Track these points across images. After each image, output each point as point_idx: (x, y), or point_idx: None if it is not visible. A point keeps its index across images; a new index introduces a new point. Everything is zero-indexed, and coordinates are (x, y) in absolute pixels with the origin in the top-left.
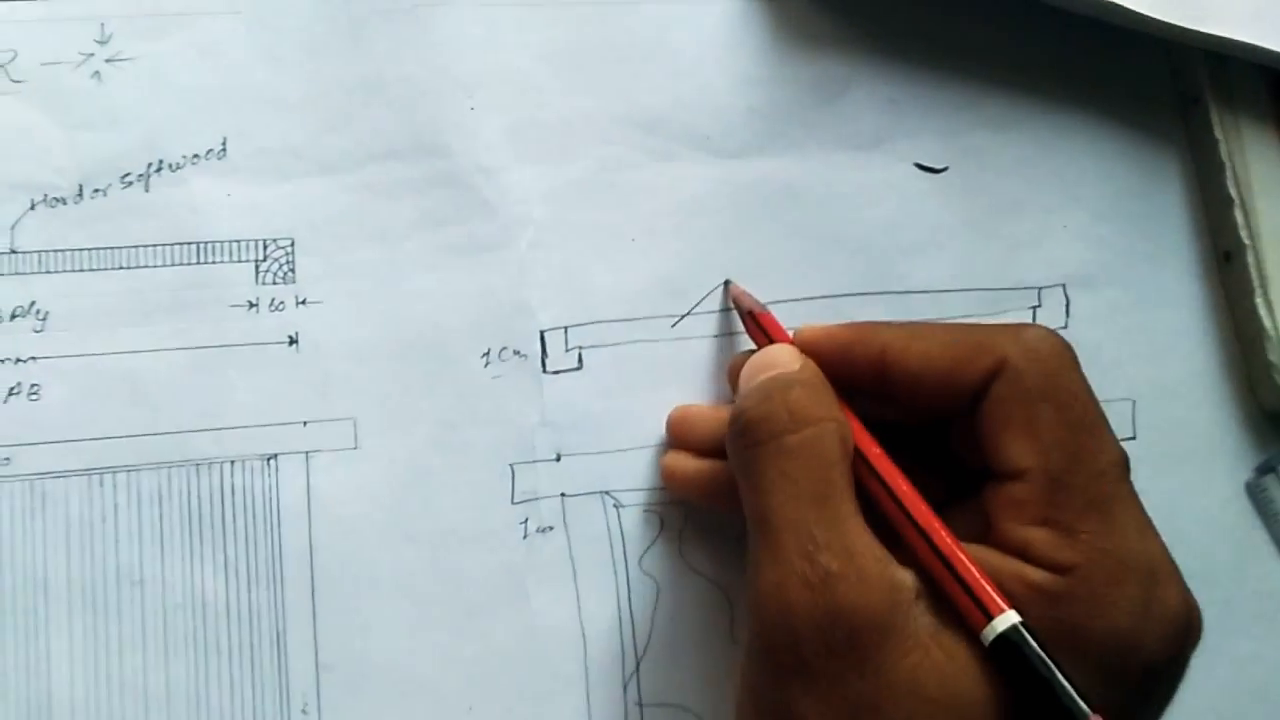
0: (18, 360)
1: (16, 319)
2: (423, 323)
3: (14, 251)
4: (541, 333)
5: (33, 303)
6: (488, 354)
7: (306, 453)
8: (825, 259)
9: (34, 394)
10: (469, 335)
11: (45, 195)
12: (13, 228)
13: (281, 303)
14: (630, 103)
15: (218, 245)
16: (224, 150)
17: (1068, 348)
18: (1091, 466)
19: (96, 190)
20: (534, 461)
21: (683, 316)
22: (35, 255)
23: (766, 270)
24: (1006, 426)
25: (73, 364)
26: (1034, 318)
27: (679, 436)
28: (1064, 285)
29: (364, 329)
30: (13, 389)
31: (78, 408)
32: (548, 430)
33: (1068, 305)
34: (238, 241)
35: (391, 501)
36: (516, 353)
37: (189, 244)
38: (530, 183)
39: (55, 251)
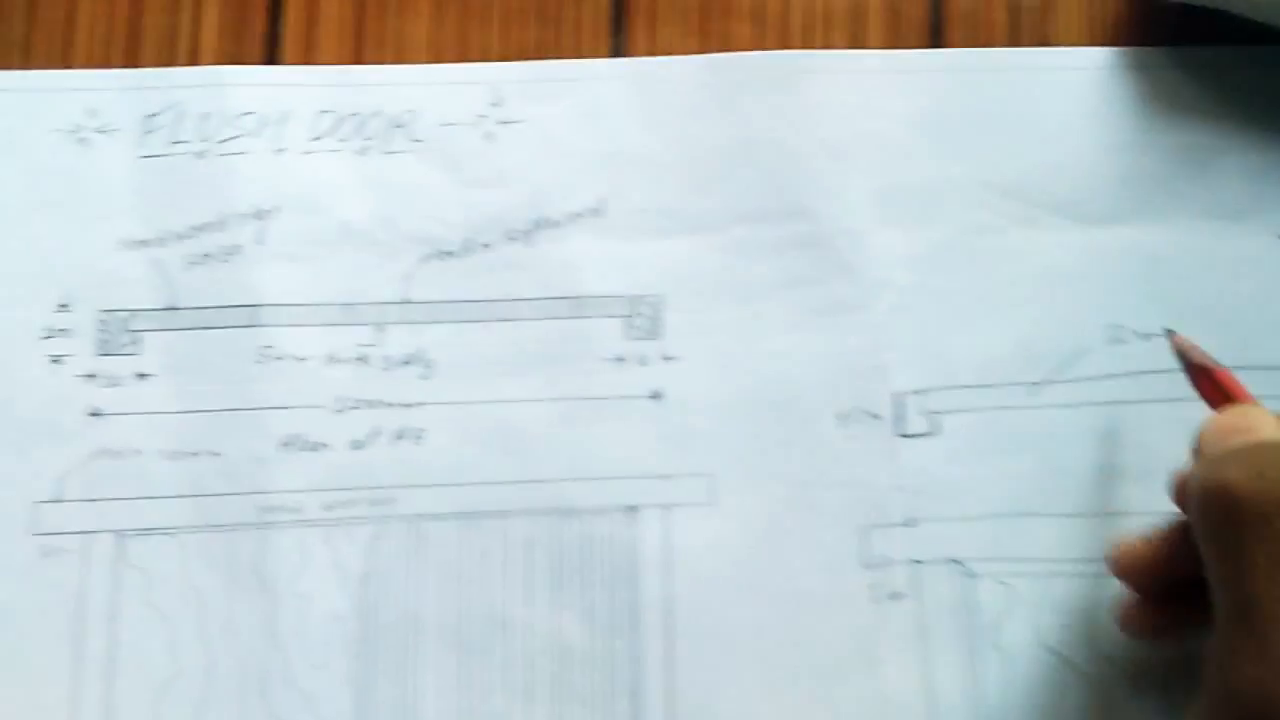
0: (406, 405)
1: (408, 365)
2: (780, 381)
3: (408, 301)
4: (897, 395)
5: (421, 350)
6: (843, 415)
7: (666, 506)
8: (1189, 331)
9: (419, 438)
10: (825, 396)
11: (437, 249)
12: (407, 278)
13: (647, 358)
14: (995, 168)
15: (591, 300)
16: (603, 209)
17: None
18: None
19: (484, 245)
20: (886, 525)
21: (1042, 383)
22: (425, 306)
23: (1127, 340)
24: None
25: (454, 411)
26: None
27: (1128, 574)
28: None
29: (724, 386)
30: (400, 432)
31: (457, 453)
32: (900, 494)
33: None
34: (610, 297)
35: (747, 558)
36: (871, 414)
37: (565, 299)
38: (893, 246)
39: (443, 303)
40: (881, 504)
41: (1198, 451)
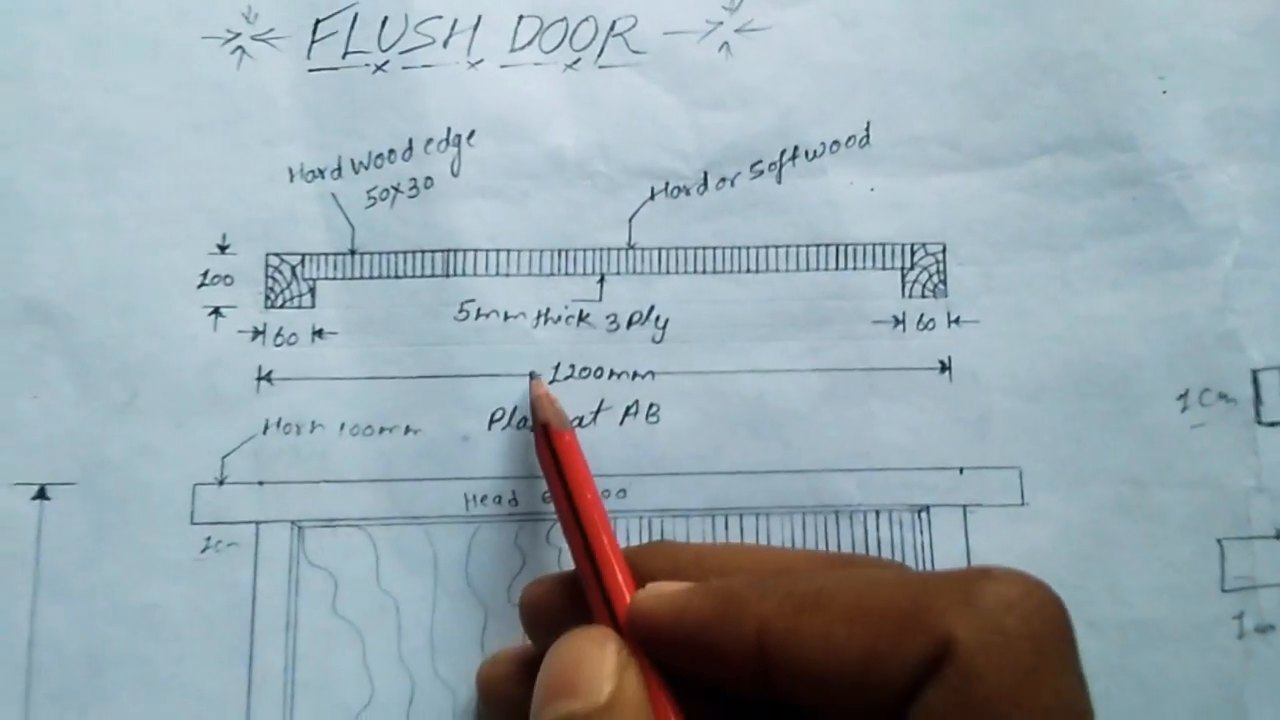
0: (635, 375)
1: (634, 326)
2: (1101, 353)
3: (632, 247)
4: (1254, 373)
5: (651, 307)
6: (1185, 396)
7: (964, 506)
8: None
9: (652, 416)
10: (1160, 372)
11: (667, 184)
12: (631, 219)
13: (931, 320)
14: None
15: (859, 249)
16: (867, 137)
17: (1053, 617)
18: None
19: (723, 180)
20: (1249, 538)
21: None
22: (655, 252)
23: None
24: None
25: (693, 382)
26: None
27: (491, 704)
28: None
29: (1029, 357)
30: (630, 409)
31: (698, 435)
32: (1265, 498)
33: None
34: (881, 245)
35: (1067, 575)
36: (1222, 396)
37: (826, 246)
38: (1235, 184)
39: (676, 249)
40: (1242, 510)
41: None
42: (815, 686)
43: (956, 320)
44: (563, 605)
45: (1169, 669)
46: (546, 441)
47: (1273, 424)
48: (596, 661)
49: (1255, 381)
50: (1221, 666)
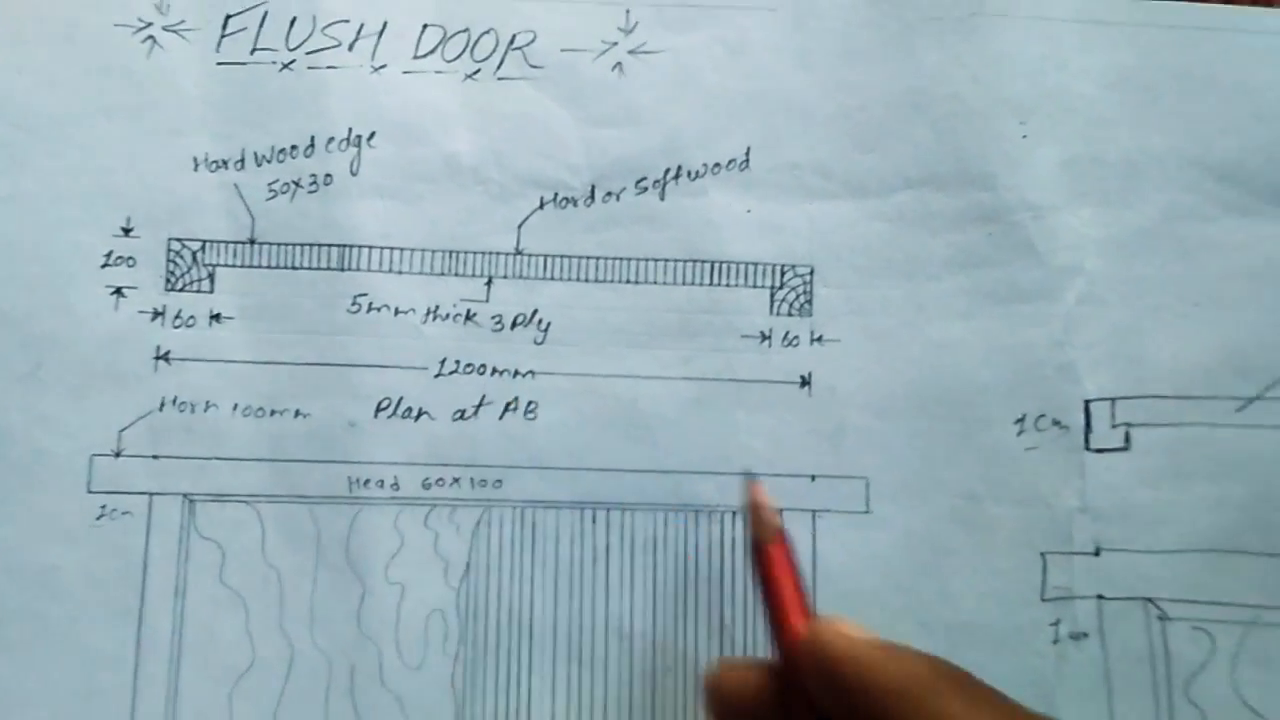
0: (516, 373)
1: (518, 327)
2: (949, 376)
3: (520, 253)
4: (1086, 403)
5: (535, 311)
6: (1022, 421)
7: (814, 511)
8: None
9: (530, 413)
10: (1001, 397)
11: (555, 194)
12: (520, 226)
13: (796, 337)
14: (1205, 145)
15: (733, 267)
16: (747, 162)
17: None
18: None
19: (609, 194)
20: (1070, 553)
21: (1252, 400)
22: (541, 259)
23: None
24: None
25: (571, 383)
26: None
27: (722, 710)
28: None
29: (883, 377)
30: (509, 405)
31: (573, 433)
32: (1087, 518)
33: None
34: (754, 264)
35: (904, 579)
36: (1056, 423)
37: (703, 262)
38: (1084, 227)
39: (562, 257)
40: (1065, 527)
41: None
42: None
43: (819, 339)
44: (757, 696)
45: (989, 668)
46: (756, 552)
47: (1100, 450)
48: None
49: (1087, 411)
50: (1037, 668)
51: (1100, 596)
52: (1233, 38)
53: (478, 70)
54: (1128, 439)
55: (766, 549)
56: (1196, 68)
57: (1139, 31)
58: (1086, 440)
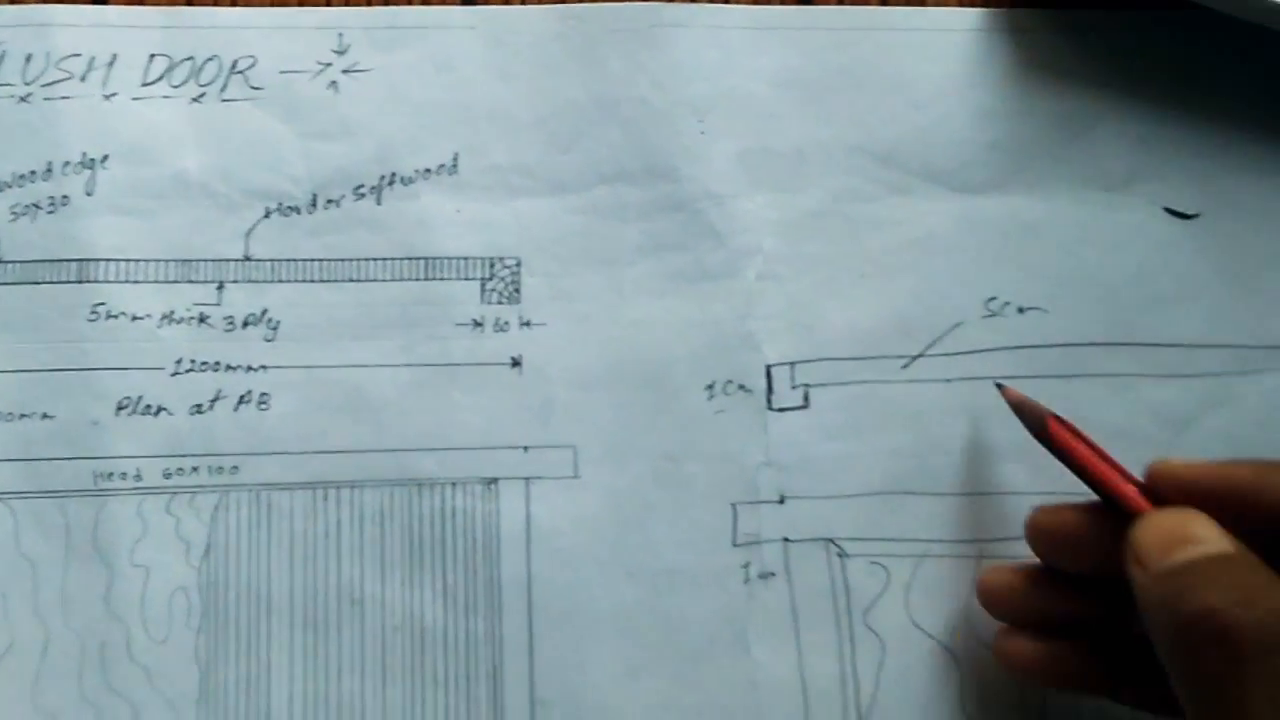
0: (249, 368)
1: (249, 326)
2: (646, 351)
3: (248, 259)
4: (768, 367)
5: (265, 311)
6: (712, 387)
7: (527, 479)
8: (1066, 304)
9: (263, 404)
10: (693, 366)
11: (280, 203)
12: (248, 234)
13: (506, 323)
14: (866, 133)
15: (445, 262)
16: (455, 166)
17: None
18: None
19: (330, 201)
20: (757, 502)
21: (915, 358)
22: (269, 264)
23: (1004, 313)
24: None
25: (300, 375)
26: None
27: (1003, 611)
28: None
29: (586, 354)
30: (243, 397)
31: (304, 420)
32: (771, 470)
33: None
34: (465, 259)
35: (611, 534)
36: (741, 387)
37: (417, 259)
38: (760, 211)
39: (288, 261)
40: (752, 480)
41: (1136, 557)
42: None
43: (527, 323)
44: (1077, 527)
45: (689, 609)
46: (1049, 431)
47: (781, 410)
48: (1204, 524)
49: (768, 375)
50: (730, 606)
51: (786, 539)
52: (888, 35)
53: (203, 94)
54: (806, 398)
55: (1050, 429)
56: (857, 64)
57: (804, 35)
58: (769, 401)
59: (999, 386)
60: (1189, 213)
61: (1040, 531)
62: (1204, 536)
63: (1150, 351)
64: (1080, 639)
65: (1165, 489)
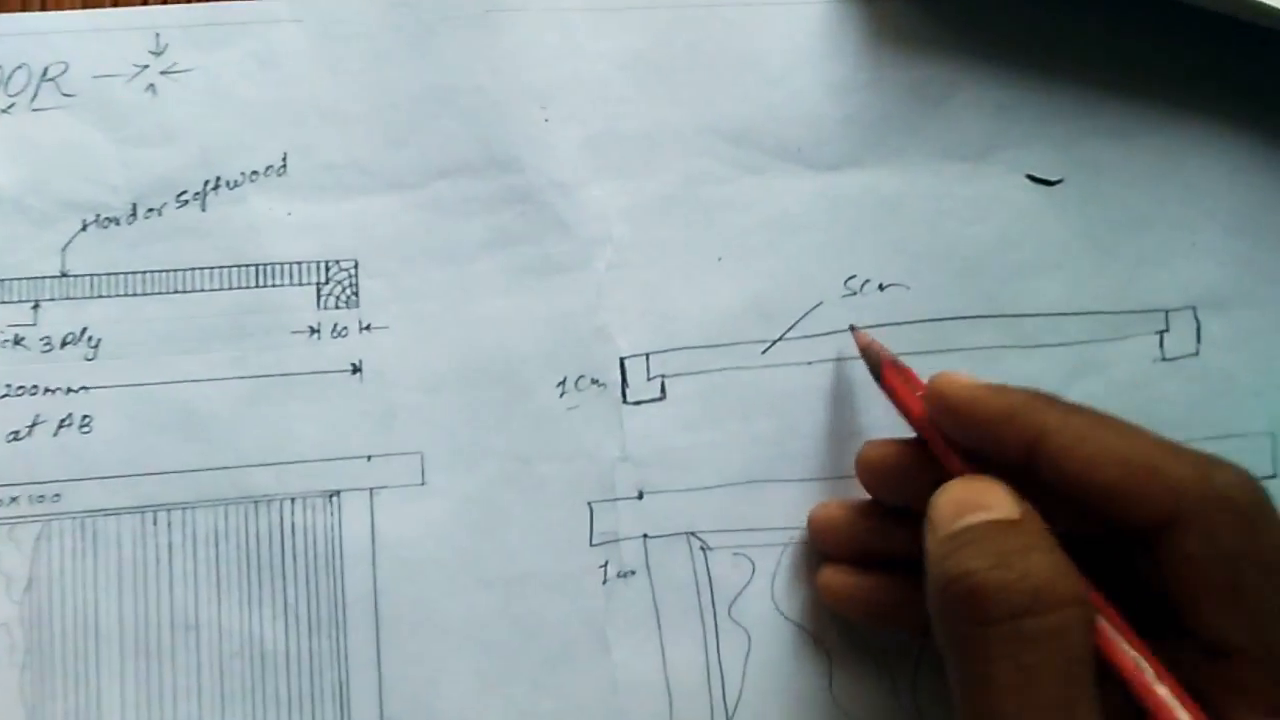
0: (69, 390)
1: (68, 346)
2: (494, 349)
3: (65, 275)
4: (622, 360)
5: (84, 329)
6: (564, 383)
7: (371, 489)
8: (929, 278)
9: (85, 427)
10: (543, 363)
11: (98, 215)
12: (64, 249)
13: (344, 328)
14: (716, 112)
15: (277, 268)
16: (284, 167)
17: (1266, 494)
18: None
19: (151, 210)
20: (614, 500)
21: (774, 342)
22: (87, 279)
23: (864, 291)
24: (1205, 593)
25: (125, 394)
26: (1161, 343)
27: (829, 545)
28: (1194, 308)
29: (431, 356)
30: (63, 421)
31: (130, 441)
32: (629, 466)
33: (1198, 330)
34: (298, 264)
35: (461, 542)
36: (594, 382)
37: (247, 266)
38: (609, 199)
39: (107, 275)
40: (609, 477)
41: (929, 523)
42: (1073, 494)
43: (367, 327)
44: (902, 463)
45: (544, 613)
46: (899, 375)
47: (636, 403)
48: (1000, 492)
49: (622, 367)
50: (589, 608)
51: (645, 536)
52: (735, 10)
53: (12, 104)
54: (663, 389)
55: (884, 374)
56: (704, 42)
57: (648, 14)
58: (624, 394)
59: (851, 328)
60: (1052, 179)
61: (867, 464)
62: (992, 504)
63: (1014, 322)
64: (902, 575)
65: (941, 403)
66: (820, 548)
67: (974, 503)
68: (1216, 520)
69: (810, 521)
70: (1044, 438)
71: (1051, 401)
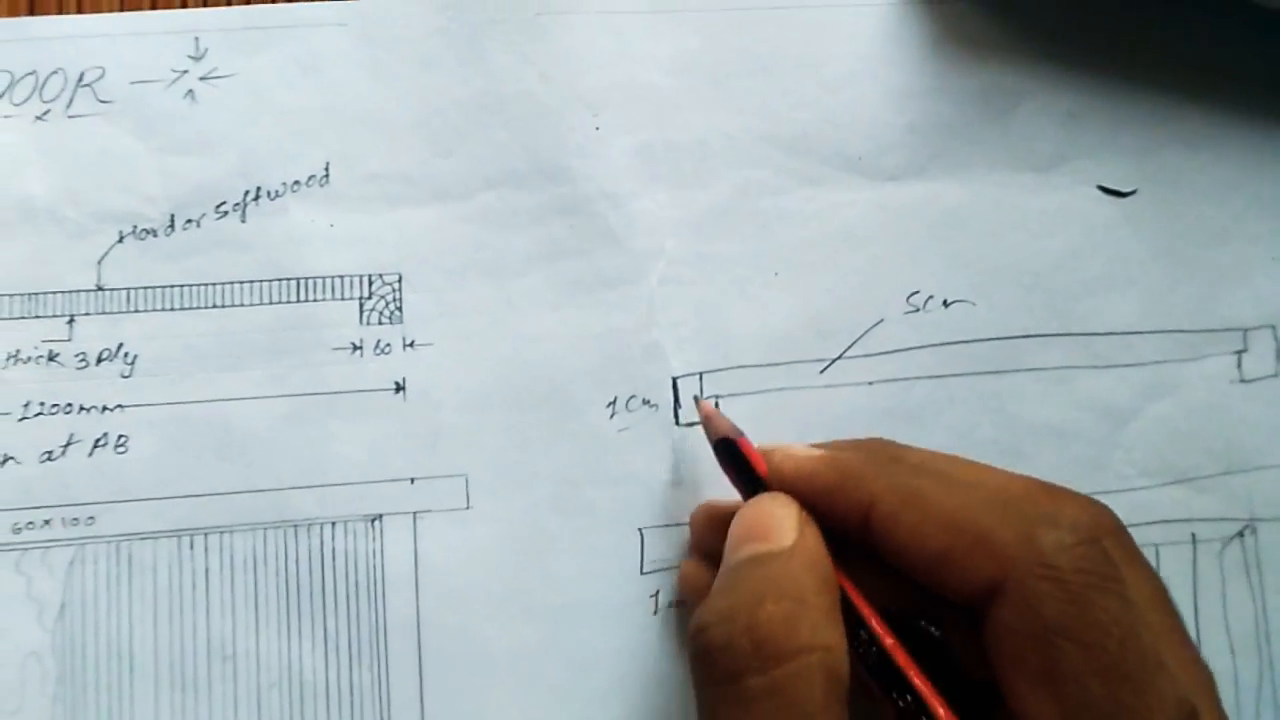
0: (104, 409)
1: (104, 363)
2: (542, 368)
3: (101, 289)
4: (674, 380)
5: (120, 345)
6: (614, 404)
7: (414, 513)
8: (996, 295)
9: (120, 447)
10: (593, 382)
11: (135, 226)
12: (100, 262)
13: (388, 345)
14: (773, 121)
15: (319, 281)
16: (327, 176)
17: (1107, 547)
18: None
19: (189, 221)
20: (666, 525)
21: (833, 361)
22: (124, 293)
23: (928, 308)
24: (1019, 670)
25: (162, 413)
26: (1239, 364)
27: (699, 541)
28: (1274, 326)
29: (477, 375)
30: (99, 441)
31: (166, 462)
32: (681, 490)
33: (1279, 350)
34: (341, 277)
35: (507, 569)
36: (646, 402)
37: (288, 280)
38: (661, 210)
39: (144, 289)
40: (660, 502)
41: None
42: (903, 563)
43: (411, 344)
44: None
45: (593, 644)
46: (726, 450)
47: (689, 425)
48: (782, 517)
49: (674, 388)
50: (639, 640)
51: None
52: (794, 13)
53: (48, 110)
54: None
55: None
56: (761, 46)
57: (703, 16)
58: (676, 416)
59: (695, 400)
60: (1124, 190)
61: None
62: (769, 531)
63: (1085, 341)
64: None
65: (779, 480)
66: (692, 540)
67: (753, 532)
68: (1037, 590)
69: (692, 519)
70: (873, 505)
71: (891, 462)
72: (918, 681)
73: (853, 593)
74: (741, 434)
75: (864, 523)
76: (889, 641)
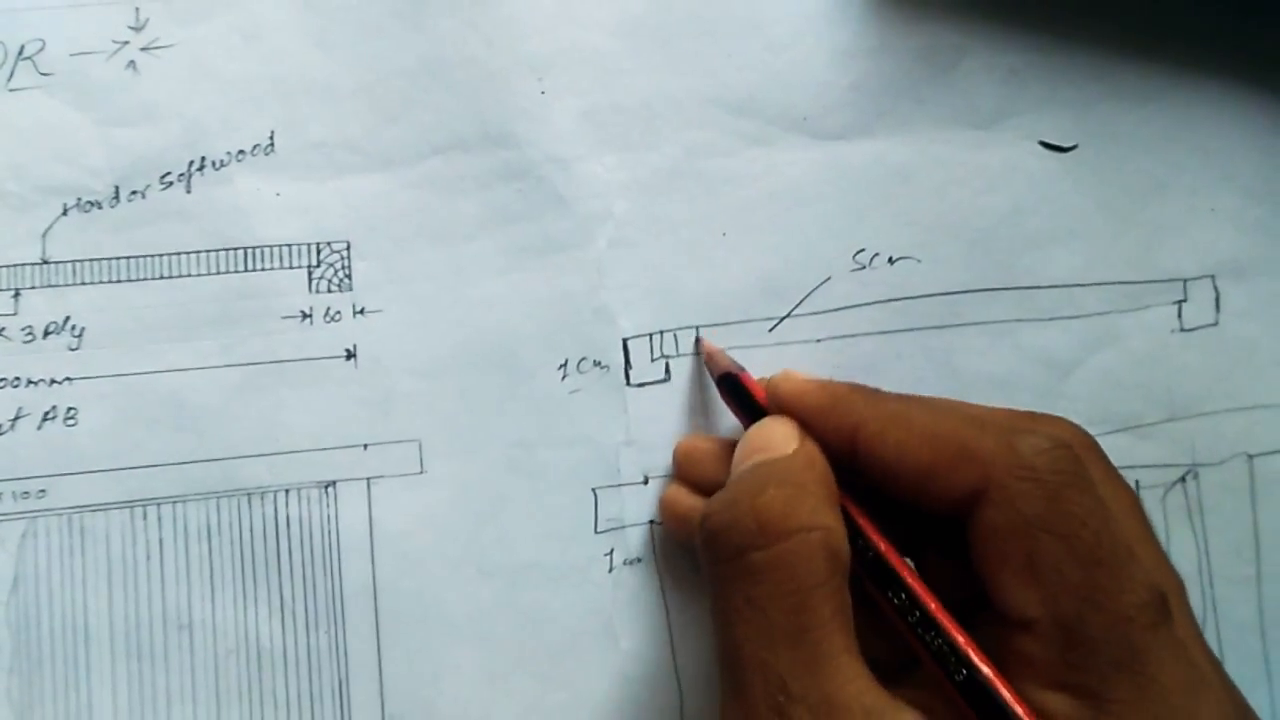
0: (52, 382)
1: (50, 336)
2: (492, 332)
3: (46, 261)
4: (624, 341)
5: (67, 318)
6: (565, 366)
7: (368, 479)
8: (940, 250)
9: (70, 419)
10: (544, 345)
11: (79, 199)
12: (44, 235)
13: (338, 313)
14: (719, 82)
15: (267, 250)
16: (272, 145)
17: (1080, 453)
18: (1113, 612)
19: (134, 192)
20: (619, 485)
21: (782, 319)
22: (69, 265)
23: (874, 265)
24: (1003, 564)
25: (111, 385)
26: (1179, 313)
27: (683, 471)
28: (1213, 276)
29: (428, 340)
30: (48, 414)
31: (117, 434)
32: (633, 450)
33: (1218, 299)
34: (288, 246)
35: (462, 532)
36: (597, 364)
37: (235, 250)
38: (608, 173)
39: (90, 261)
40: (614, 462)
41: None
42: (890, 482)
43: (361, 311)
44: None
45: (550, 603)
46: (728, 385)
47: (640, 385)
48: (784, 432)
49: (625, 349)
50: (594, 598)
51: (652, 522)
52: None
53: None
54: (667, 370)
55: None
56: (705, 8)
57: None
58: (627, 376)
59: (697, 339)
60: (1065, 145)
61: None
62: (772, 444)
63: (1029, 295)
64: None
65: (775, 401)
66: (677, 473)
67: (757, 446)
68: (1016, 490)
69: (676, 451)
70: (859, 427)
71: (871, 393)
72: (910, 580)
73: (848, 502)
74: (743, 369)
75: (852, 445)
76: (883, 546)
